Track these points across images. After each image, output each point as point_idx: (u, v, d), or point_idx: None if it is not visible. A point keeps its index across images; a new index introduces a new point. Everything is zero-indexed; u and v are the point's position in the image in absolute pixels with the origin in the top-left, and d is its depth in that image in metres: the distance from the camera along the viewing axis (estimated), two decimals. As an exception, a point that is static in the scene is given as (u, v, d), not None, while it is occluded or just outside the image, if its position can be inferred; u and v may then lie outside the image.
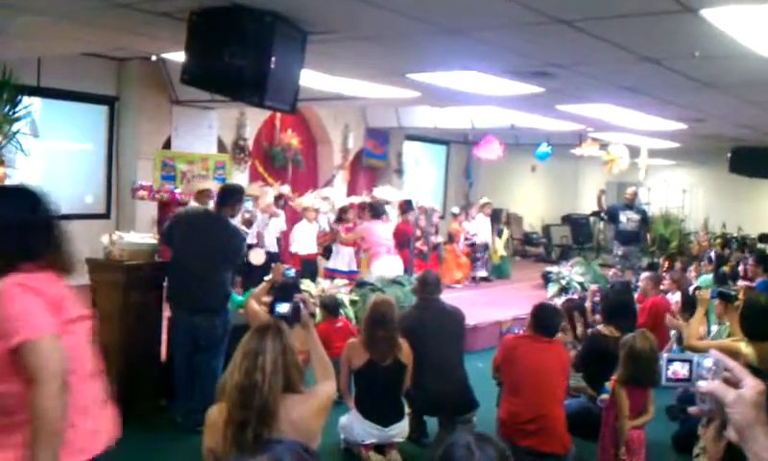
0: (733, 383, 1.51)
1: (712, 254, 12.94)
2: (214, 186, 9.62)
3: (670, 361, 1.65)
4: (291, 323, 3.56)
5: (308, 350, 5.13)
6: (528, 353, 5.07)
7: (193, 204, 8.81)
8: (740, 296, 5.64)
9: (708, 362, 1.57)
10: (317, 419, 3.10)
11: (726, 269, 10.68)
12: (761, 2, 4.00)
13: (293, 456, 1.62)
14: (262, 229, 10.15)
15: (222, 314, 6.02)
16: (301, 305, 3.59)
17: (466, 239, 13.43)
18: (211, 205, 8.47)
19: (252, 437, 2.85)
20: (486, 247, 14.07)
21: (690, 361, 1.62)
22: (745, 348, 4.80)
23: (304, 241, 10.16)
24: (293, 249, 10.20)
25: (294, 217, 10.95)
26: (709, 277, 10.92)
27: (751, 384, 1.48)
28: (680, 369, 1.63)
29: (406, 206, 11.97)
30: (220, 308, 6.02)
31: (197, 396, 5.73)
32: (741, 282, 9.05)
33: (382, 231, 10.13)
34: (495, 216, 14.68)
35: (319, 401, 3.16)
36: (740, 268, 10.00)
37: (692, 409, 1.61)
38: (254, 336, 3.04)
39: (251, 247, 9.48)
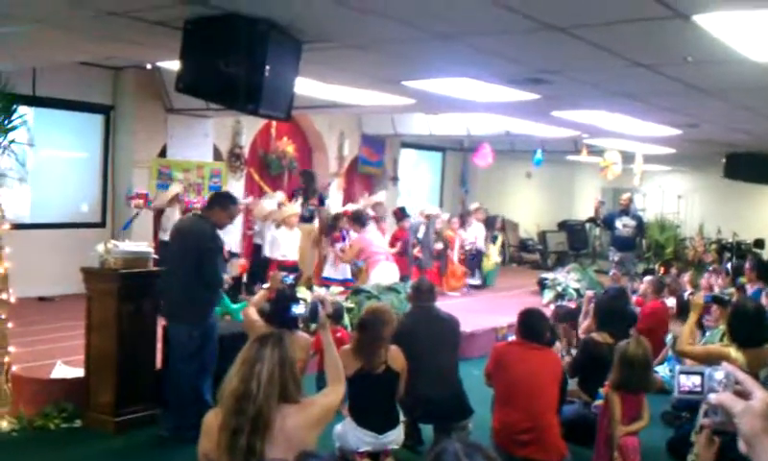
0: (744, 395, 1.52)
1: (729, 265, 12.37)
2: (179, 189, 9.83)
3: (682, 373, 1.66)
4: (308, 323, 3.56)
5: (305, 358, 5.16)
6: (519, 360, 5.04)
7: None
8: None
9: (719, 374, 1.58)
10: (312, 429, 3.07)
11: (744, 280, 10.31)
12: (753, 8, 4.01)
13: None
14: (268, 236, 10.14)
15: (196, 324, 5.83)
16: (319, 306, 3.58)
17: (461, 246, 13.38)
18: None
19: (244, 444, 2.84)
20: (478, 253, 13.87)
21: (702, 374, 1.63)
22: (735, 353, 4.80)
23: (285, 248, 10.06)
24: (273, 255, 10.08)
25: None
26: (731, 290, 10.45)
27: (760, 396, 1.50)
28: (692, 381, 1.64)
29: (401, 214, 11.96)
30: (193, 318, 5.84)
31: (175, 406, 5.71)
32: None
33: (376, 239, 10.10)
34: (489, 223, 14.63)
35: (317, 411, 3.13)
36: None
37: (704, 421, 1.63)
38: (254, 345, 3.04)
39: (233, 256, 9.52)
